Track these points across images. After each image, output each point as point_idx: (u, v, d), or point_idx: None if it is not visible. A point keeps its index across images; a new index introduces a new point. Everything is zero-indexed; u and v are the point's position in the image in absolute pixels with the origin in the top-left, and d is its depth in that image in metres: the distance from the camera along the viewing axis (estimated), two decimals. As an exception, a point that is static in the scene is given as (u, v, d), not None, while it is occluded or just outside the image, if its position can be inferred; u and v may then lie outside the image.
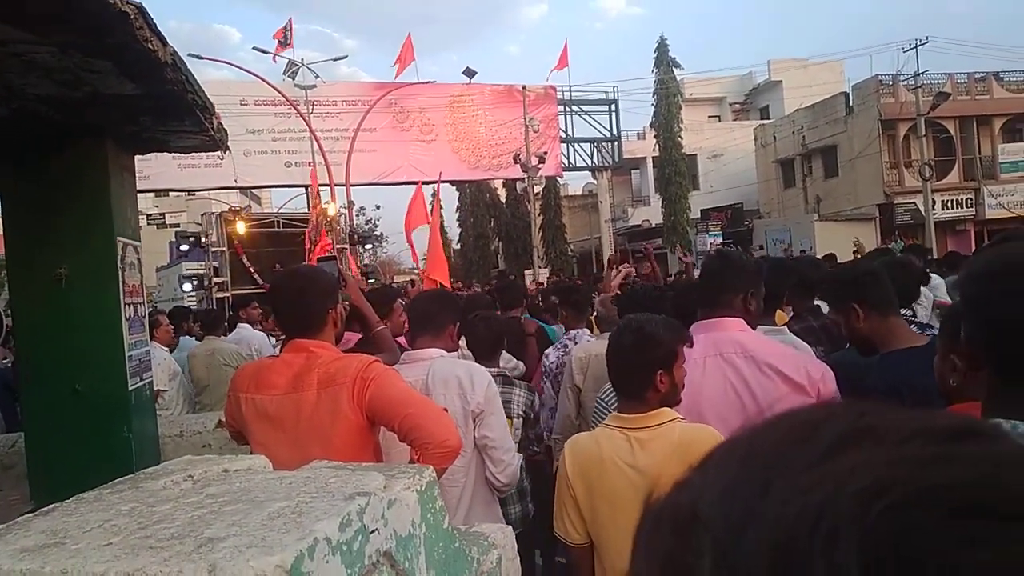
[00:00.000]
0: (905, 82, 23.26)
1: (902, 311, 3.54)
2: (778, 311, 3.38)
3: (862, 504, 0.29)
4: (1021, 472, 0.30)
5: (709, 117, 37.52)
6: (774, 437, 0.35)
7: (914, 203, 23.41)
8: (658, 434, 1.92)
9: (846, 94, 25.97)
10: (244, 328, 6.61)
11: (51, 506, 1.06)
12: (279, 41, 23.72)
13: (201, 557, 0.81)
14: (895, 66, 26.84)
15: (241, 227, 13.03)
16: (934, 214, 22.56)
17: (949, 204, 24.41)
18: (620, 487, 1.89)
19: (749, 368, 2.16)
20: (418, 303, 2.96)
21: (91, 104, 3.08)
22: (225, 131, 4.02)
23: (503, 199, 33.67)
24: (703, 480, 0.35)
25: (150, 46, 2.53)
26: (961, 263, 7.58)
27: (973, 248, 19.91)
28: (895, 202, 24.08)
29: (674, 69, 28.48)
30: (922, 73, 22.90)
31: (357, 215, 23.32)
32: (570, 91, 27.95)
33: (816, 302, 3.52)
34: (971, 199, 24.64)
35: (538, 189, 27.58)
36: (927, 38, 22.80)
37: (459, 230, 38.96)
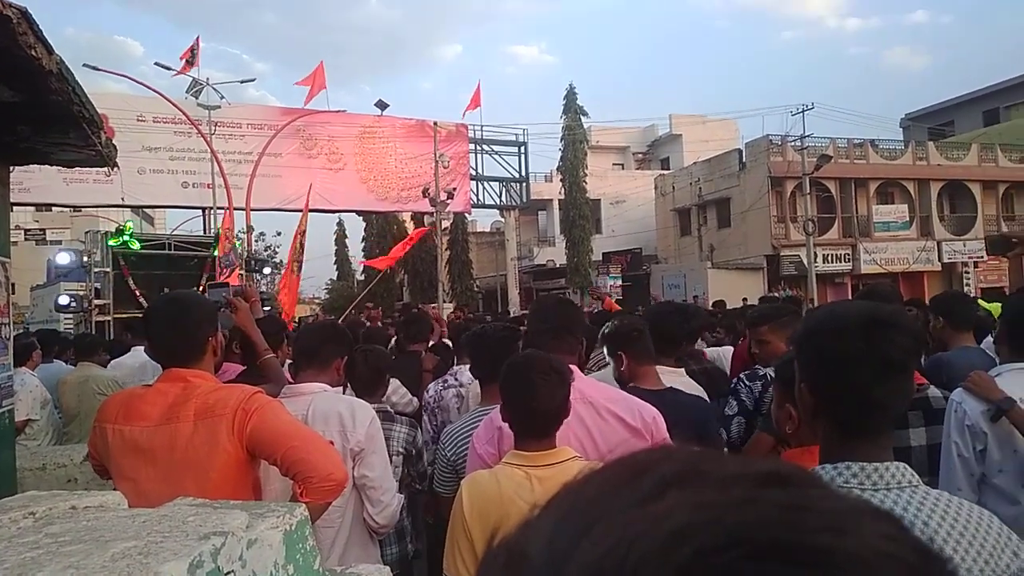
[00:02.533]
0: (793, 143, 24.96)
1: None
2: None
3: (668, 546, 0.30)
4: (820, 517, 0.31)
5: (613, 164, 38.91)
6: (605, 479, 0.36)
7: (799, 255, 24.95)
8: (558, 471, 1.92)
9: (740, 150, 27.60)
10: (139, 351, 6.12)
11: None
12: (185, 60, 22.92)
13: (26, 603, 0.75)
14: (784, 127, 28.80)
15: (120, 243, 12.31)
16: (816, 267, 24.11)
17: (830, 258, 26.16)
18: None
19: (589, 414, 2.19)
20: (304, 336, 2.87)
21: (-38, 109, 2.88)
22: (114, 147, 3.82)
23: (410, 232, 33.49)
24: (539, 520, 0.36)
25: (33, 52, 2.40)
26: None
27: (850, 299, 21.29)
28: (781, 254, 25.61)
29: (581, 117, 29.40)
30: (808, 136, 24.64)
31: (256, 240, 22.58)
32: (482, 130, 28.34)
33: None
34: (849, 254, 26.51)
35: (446, 224, 27.63)
36: (813, 104, 24.61)
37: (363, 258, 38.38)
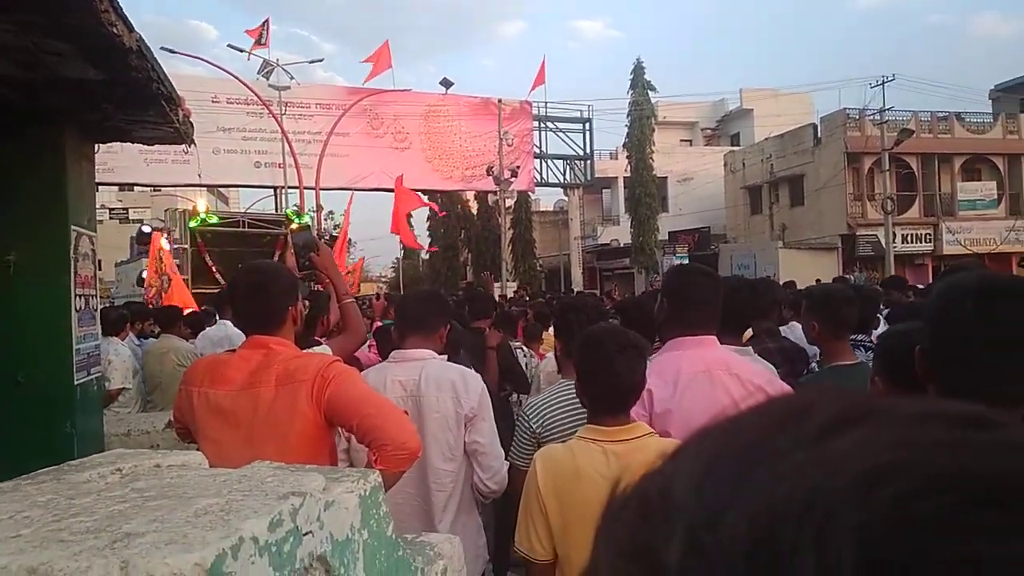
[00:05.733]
0: (871, 117, 23.88)
1: (860, 336, 3.61)
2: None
3: (862, 490, 0.25)
4: None
5: (681, 141, 38.05)
6: (759, 419, 0.32)
7: (876, 235, 23.97)
8: (634, 447, 1.89)
9: (814, 125, 26.56)
10: (226, 324, 6.31)
11: (-38, 495, 1.00)
12: (255, 39, 23.47)
13: (114, 553, 0.76)
14: (862, 101, 27.56)
15: (200, 222, 12.70)
16: (894, 247, 23.12)
17: (909, 238, 25.03)
18: (594, 500, 1.85)
19: (735, 386, 2.19)
20: (410, 303, 2.90)
21: (51, 88, 2.99)
22: (191, 124, 3.93)
23: (474, 211, 33.66)
24: (676, 466, 0.32)
25: (115, 30, 2.46)
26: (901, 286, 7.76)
27: (930, 281, 20.42)
28: (857, 233, 24.63)
29: (649, 92, 28.81)
30: (888, 109, 23.53)
31: (326, 219, 23.08)
32: (545, 107, 28.13)
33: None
34: (930, 234, 25.31)
35: (510, 203, 27.63)
36: (894, 75, 23.48)
37: (428, 239, 38.85)
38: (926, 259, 25.39)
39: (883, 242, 23.04)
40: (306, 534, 0.96)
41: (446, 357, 2.85)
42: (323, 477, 1.11)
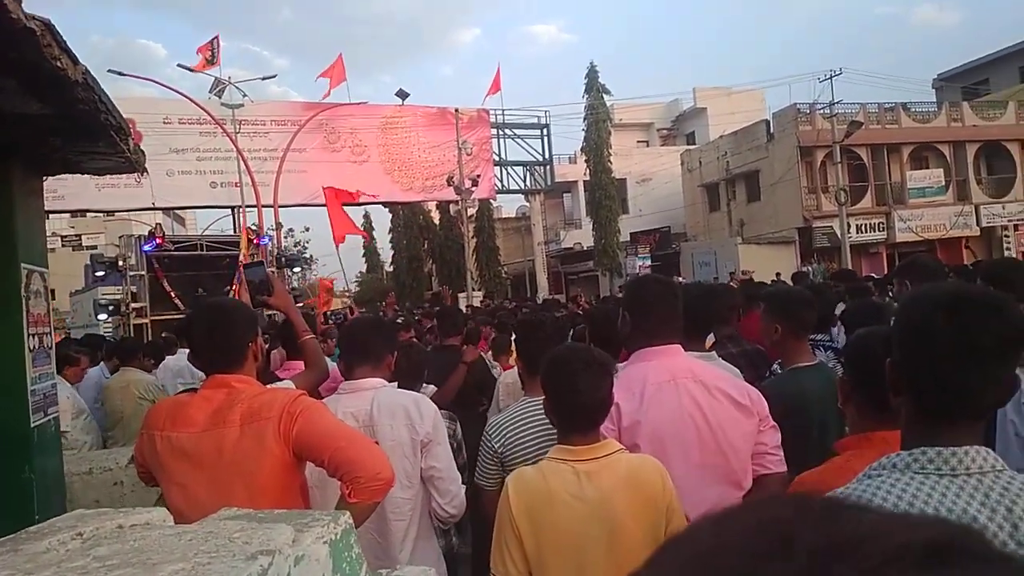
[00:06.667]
0: (821, 111, 24.42)
1: (818, 336, 3.68)
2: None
3: None
4: None
5: (638, 142, 38.47)
6: (740, 542, 0.31)
7: (831, 227, 24.49)
8: (604, 465, 1.90)
9: (767, 121, 27.07)
10: (184, 353, 6.14)
11: (-87, 577, 0.96)
12: (205, 58, 23.11)
13: (77, 636, 0.73)
14: (812, 95, 28.14)
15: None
16: (849, 237, 23.66)
17: (863, 228, 25.63)
18: (567, 521, 1.86)
19: (701, 393, 2.21)
20: (355, 331, 2.86)
21: (-6, 124, 2.91)
22: (142, 152, 3.85)
23: (436, 221, 33.58)
24: None
25: (59, 64, 2.40)
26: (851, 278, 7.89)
27: (885, 270, 20.96)
28: (813, 226, 25.15)
29: (604, 95, 29.08)
30: (837, 102, 24.09)
31: (285, 237, 22.84)
32: (503, 115, 28.21)
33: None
34: (883, 223, 25.94)
35: (472, 211, 27.63)
36: (841, 69, 24.04)
37: (391, 252, 38.62)
38: (880, 247, 26.03)
39: (838, 233, 23.56)
40: (277, 593, 0.94)
41: (396, 384, 2.83)
42: (291, 528, 1.09)
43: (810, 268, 20.82)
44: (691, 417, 2.18)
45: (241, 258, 11.29)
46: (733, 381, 2.35)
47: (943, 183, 26.64)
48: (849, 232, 23.75)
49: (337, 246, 14.14)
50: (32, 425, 3.33)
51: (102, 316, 11.84)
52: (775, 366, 3.15)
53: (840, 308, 4.96)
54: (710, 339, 3.59)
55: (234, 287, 11.62)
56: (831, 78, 23.86)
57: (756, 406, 2.25)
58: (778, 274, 16.16)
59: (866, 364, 1.58)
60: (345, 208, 14.23)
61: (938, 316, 1.09)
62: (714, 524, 0.33)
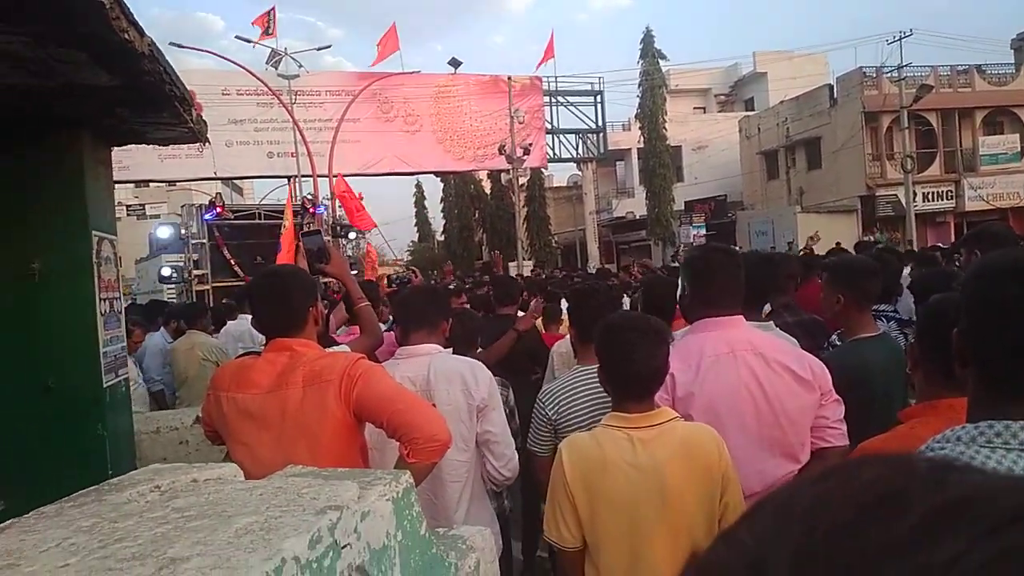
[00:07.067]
0: (889, 74, 23.41)
1: (883, 307, 3.57)
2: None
3: None
4: None
5: (694, 108, 37.61)
6: (846, 500, 0.30)
7: (895, 195, 23.60)
8: (659, 433, 1.90)
9: (830, 86, 26.09)
10: (247, 318, 6.17)
11: (8, 522, 1.02)
12: (262, 29, 23.43)
13: (161, 580, 0.77)
14: (879, 58, 27.01)
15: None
16: (915, 206, 22.77)
17: (930, 196, 24.63)
18: (622, 488, 1.86)
19: (760, 365, 2.17)
20: (411, 299, 2.91)
21: (66, 95, 3.01)
22: (204, 123, 3.95)
23: (488, 190, 33.58)
24: (760, 542, 0.30)
25: (126, 36, 2.47)
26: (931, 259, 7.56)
27: (952, 240, 20.13)
28: (877, 194, 24.27)
29: (659, 60, 28.46)
30: (905, 65, 23.05)
31: (340, 206, 23.16)
32: (556, 82, 27.88)
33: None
34: (952, 191, 24.88)
35: (523, 180, 27.53)
36: (911, 30, 22.95)
37: (443, 221, 38.85)
38: (948, 217, 25.00)
39: (903, 202, 22.69)
40: (344, 547, 0.97)
41: (451, 349, 2.87)
42: (356, 484, 1.12)
43: (873, 237, 20.10)
44: (748, 390, 2.14)
45: (283, 230, 11.45)
46: (795, 353, 2.30)
47: (1018, 149, 25.31)
48: (915, 201, 22.84)
49: (365, 231, 14.73)
50: (104, 385, 3.49)
51: (165, 272, 12.26)
52: (834, 337, 3.08)
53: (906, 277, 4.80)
54: (766, 308, 3.53)
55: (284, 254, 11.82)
56: (900, 40, 22.81)
57: (818, 379, 2.19)
58: (838, 243, 15.66)
59: (938, 330, 1.53)
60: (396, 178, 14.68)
61: (1007, 283, 1.05)
62: (813, 482, 0.32)
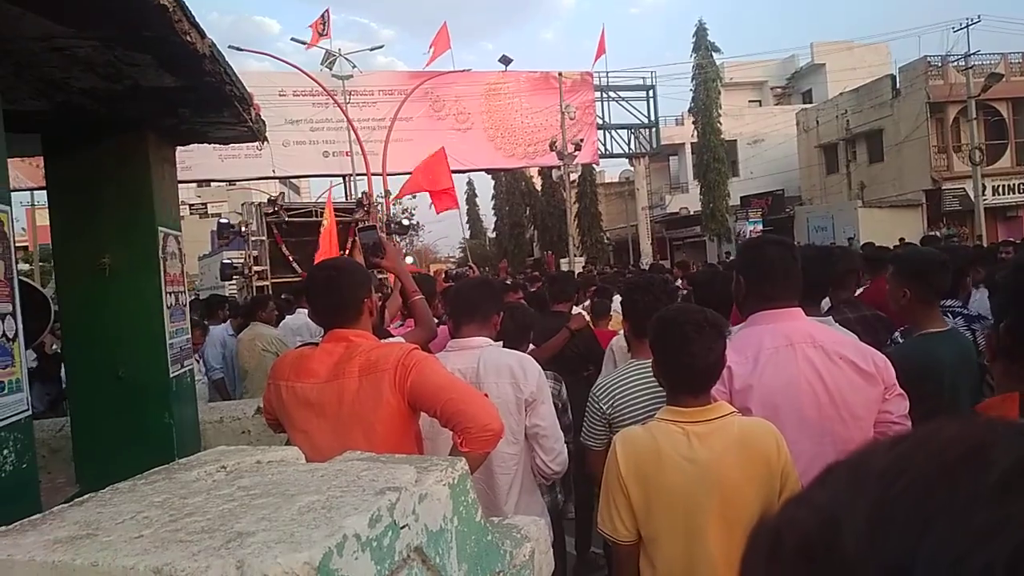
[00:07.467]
0: (955, 63, 22.50)
1: (948, 301, 3.44)
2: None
3: None
4: None
5: (749, 102, 36.81)
6: (927, 458, 0.29)
7: (963, 189, 22.69)
8: (716, 428, 1.87)
9: (893, 76, 25.22)
10: (304, 311, 6.32)
11: (86, 496, 1.08)
12: (316, 31, 23.91)
13: (230, 552, 0.80)
14: (944, 47, 26.01)
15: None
16: (984, 200, 21.84)
17: (1000, 189, 23.59)
18: (677, 482, 1.84)
19: (820, 358, 2.11)
20: (463, 292, 2.94)
21: (132, 97, 3.13)
22: (263, 122, 4.06)
23: (538, 187, 33.56)
24: (835, 501, 0.30)
25: (188, 38, 2.56)
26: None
27: (1025, 235, 19.25)
28: (943, 188, 23.37)
29: (713, 53, 28.00)
30: (973, 53, 22.13)
31: (394, 204, 23.48)
32: (607, 77, 27.68)
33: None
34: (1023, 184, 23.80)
35: (574, 177, 27.42)
36: (979, 17, 22.05)
37: (494, 218, 39.00)
38: (1020, 211, 23.91)
39: (972, 195, 21.80)
40: (403, 527, 0.99)
41: (502, 344, 2.88)
42: (414, 468, 1.14)
43: (939, 233, 19.37)
44: (808, 383, 2.09)
45: (323, 229, 11.65)
46: (857, 346, 2.23)
47: (1096, 139, 24.07)
48: (984, 194, 21.91)
49: (439, 212, 14.64)
50: (171, 376, 3.63)
51: (228, 267, 12.66)
52: (896, 335, 2.98)
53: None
54: (825, 304, 3.44)
55: (348, 251, 12.02)
56: (967, 27, 21.93)
57: (882, 372, 2.13)
58: (902, 239, 15.14)
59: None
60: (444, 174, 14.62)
61: None
62: (889, 446, 0.31)
